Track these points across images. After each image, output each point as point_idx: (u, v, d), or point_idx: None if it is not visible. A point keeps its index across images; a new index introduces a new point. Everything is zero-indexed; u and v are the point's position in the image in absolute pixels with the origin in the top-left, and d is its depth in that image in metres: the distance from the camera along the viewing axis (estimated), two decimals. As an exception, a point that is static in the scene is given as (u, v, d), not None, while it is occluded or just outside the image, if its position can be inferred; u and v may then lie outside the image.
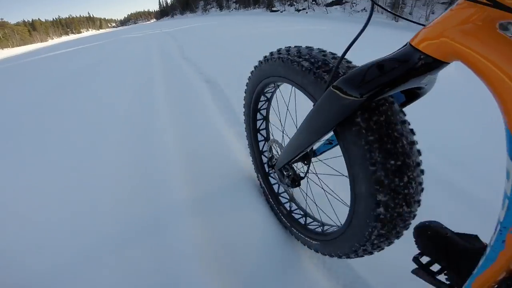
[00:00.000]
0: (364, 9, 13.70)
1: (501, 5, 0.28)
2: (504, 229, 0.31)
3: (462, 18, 0.33)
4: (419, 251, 0.49)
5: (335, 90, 0.44)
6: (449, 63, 0.37)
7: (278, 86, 0.84)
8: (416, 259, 0.48)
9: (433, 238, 0.46)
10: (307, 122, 0.53)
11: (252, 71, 0.82)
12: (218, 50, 4.22)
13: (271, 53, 0.68)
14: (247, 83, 0.90)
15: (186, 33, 8.48)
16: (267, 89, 0.86)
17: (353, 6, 13.84)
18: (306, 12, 14.62)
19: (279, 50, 0.66)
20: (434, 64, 0.37)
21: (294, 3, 17.20)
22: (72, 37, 71.77)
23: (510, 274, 0.32)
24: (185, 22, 16.95)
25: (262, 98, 0.91)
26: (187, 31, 9.34)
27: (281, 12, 17.15)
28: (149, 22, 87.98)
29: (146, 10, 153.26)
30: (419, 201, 0.48)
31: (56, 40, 65.51)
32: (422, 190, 0.47)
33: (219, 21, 11.92)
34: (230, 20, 11.83)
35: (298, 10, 15.66)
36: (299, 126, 0.57)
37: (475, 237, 0.45)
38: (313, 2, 15.40)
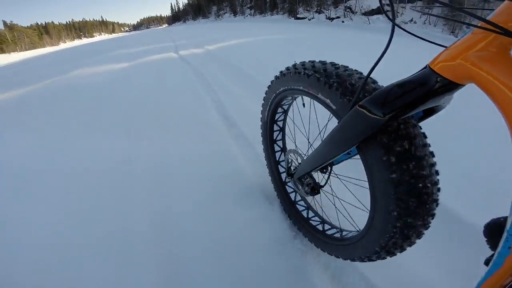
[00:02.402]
0: (412, 19, 11.51)
1: None
2: (510, 236, 0.32)
3: (478, 44, 0.35)
4: (492, 253, 0.43)
5: (361, 109, 0.47)
6: (463, 85, 0.40)
7: (295, 98, 0.88)
8: (489, 262, 0.42)
9: None
10: (331, 137, 0.56)
11: (272, 81, 0.84)
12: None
13: (295, 67, 0.69)
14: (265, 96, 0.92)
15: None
16: (284, 102, 0.89)
17: (398, 16, 11.64)
18: (342, 21, 12.48)
19: (303, 65, 0.67)
20: (449, 86, 0.40)
21: (323, 10, 15.09)
22: (84, 41, 72.01)
23: None
24: (204, 31, 14.51)
25: (279, 110, 0.94)
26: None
27: (309, 20, 15.04)
28: (161, 27, 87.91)
29: (158, 15, 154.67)
30: (433, 216, 0.50)
31: (67, 44, 65.56)
32: (437, 205, 0.50)
33: (249, 32, 9.61)
34: (266, 31, 9.59)
35: (331, 19, 13.51)
36: (323, 140, 0.60)
37: None
38: (348, 10, 13.26)
